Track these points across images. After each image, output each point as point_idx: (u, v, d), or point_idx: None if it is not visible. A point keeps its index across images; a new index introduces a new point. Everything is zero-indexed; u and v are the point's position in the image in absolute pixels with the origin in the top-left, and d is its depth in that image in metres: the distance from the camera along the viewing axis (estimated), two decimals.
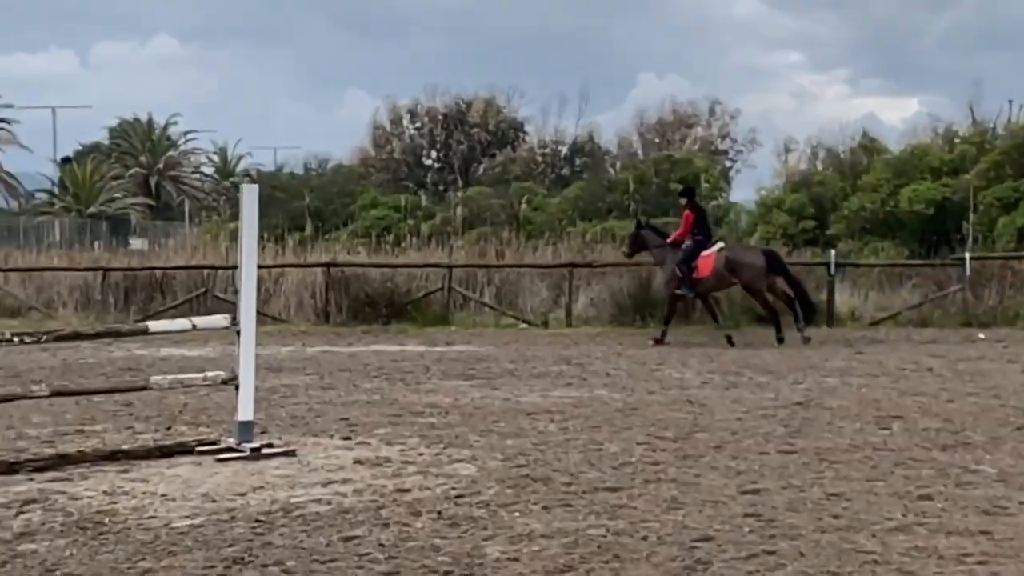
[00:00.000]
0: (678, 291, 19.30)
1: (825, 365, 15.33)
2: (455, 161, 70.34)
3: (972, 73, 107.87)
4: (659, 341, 18.77)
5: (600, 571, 5.66)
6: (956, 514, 6.80)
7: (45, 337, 8.49)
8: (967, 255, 23.40)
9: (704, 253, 19.10)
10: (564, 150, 70.75)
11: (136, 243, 52.99)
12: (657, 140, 68.14)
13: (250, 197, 8.71)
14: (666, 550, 6.02)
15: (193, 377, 9.08)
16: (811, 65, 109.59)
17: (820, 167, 41.40)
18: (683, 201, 20.09)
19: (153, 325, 9.21)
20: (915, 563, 5.81)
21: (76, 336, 9.80)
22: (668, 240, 19.56)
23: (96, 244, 44.57)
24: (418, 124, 72.51)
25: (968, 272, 22.46)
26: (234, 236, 29.42)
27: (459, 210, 39.90)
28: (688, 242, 19.19)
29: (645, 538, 6.25)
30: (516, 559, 5.86)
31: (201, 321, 9.05)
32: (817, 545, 6.14)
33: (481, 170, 69.71)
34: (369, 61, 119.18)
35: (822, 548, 6.08)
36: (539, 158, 69.73)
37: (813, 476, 7.90)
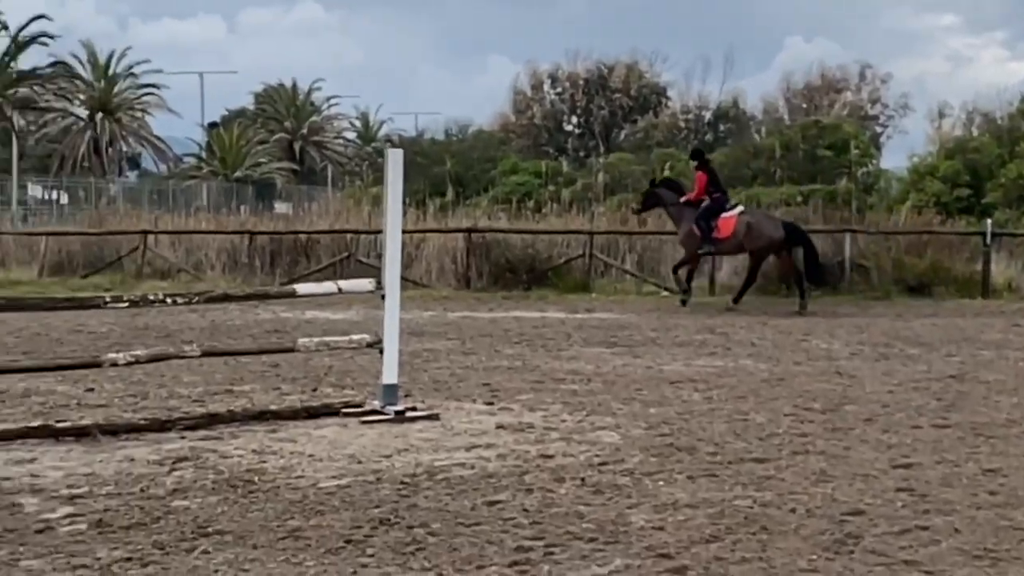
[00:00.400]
0: (700, 250, 19.59)
1: (980, 337, 14.93)
2: (596, 127, 70.12)
3: None
4: (683, 298, 19.38)
5: (747, 542, 5.61)
6: None
7: (196, 298, 8.74)
8: None
9: (725, 214, 19.32)
10: (708, 115, 69.98)
11: (281, 207, 54.09)
12: (804, 105, 66.98)
13: (395, 161, 8.79)
14: (815, 523, 5.94)
15: (339, 340, 9.23)
16: (966, 27, 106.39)
17: (976, 133, 40.25)
18: (693, 164, 20.45)
19: (300, 288, 9.41)
20: None
21: (226, 298, 10.07)
22: (683, 199, 19.74)
23: (242, 208, 45.64)
24: (559, 89, 72.42)
25: None
26: (377, 201, 29.86)
27: (600, 176, 39.79)
28: (706, 200, 19.39)
29: (793, 510, 6.18)
30: (661, 528, 5.84)
31: (346, 285, 9.20)
32: (973, 521, 5.99)
33: (622, 136, 69.37)
34: (511, 26, 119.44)
35: (978, 524, 5.93)
36: (682, 124, 69.10)
37: (968, 451, 7.71)
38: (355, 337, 9.11)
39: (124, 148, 62.02)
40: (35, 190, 56.12)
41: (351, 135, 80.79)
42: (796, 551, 5.48)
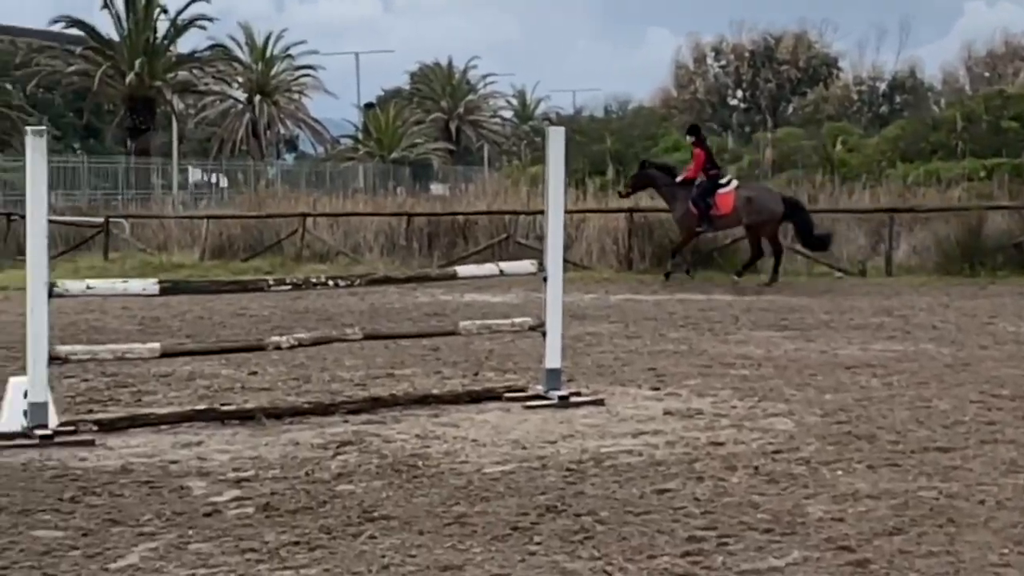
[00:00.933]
0: (698, 229, 19.95)
1: None
2: (763, 100, 69.21)
3: None
4: (668, 276, 20.12)
5: (933, 535, 5.48)
6: None
7: (358, 281, 8.91)
8: None
9: (722, 191, 19.56)
10: (882, 87, 68.44)
11: (437, 188, 54.76)
12: (987, 74, 64.99)
13: (556, 140, 8.80)
14: (1006, 516, 5.76)
15: (500, 323, 9.32)
16: None
17: None
18: (690, 139, 20.93)
19: (461, 270, 9.52)
20: None
21: (387, 280, 10.27)
22: (680, 179, 20.07)
23: (398, 189, 46.28)
24: (723, 62, 71.69)
25: None
26: (535, 181, 29.97)
27: (768, 152, 39.20)
28: (701, 177, 19.65)
29: (982, 502, 6.01)
30: (840, 519, 5.74)
31: (508, 267, 9.26)
32: None
33: (791, 109, 68.35)
34: None
35: None
36: (854, 96, 67.74)
37: None
38: (518, 320, 9.17)
39: (282, 130, 63.58)
40: (195, 173, 57.91)
41: (508, 114, 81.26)
42: (986, 545, 5.33)
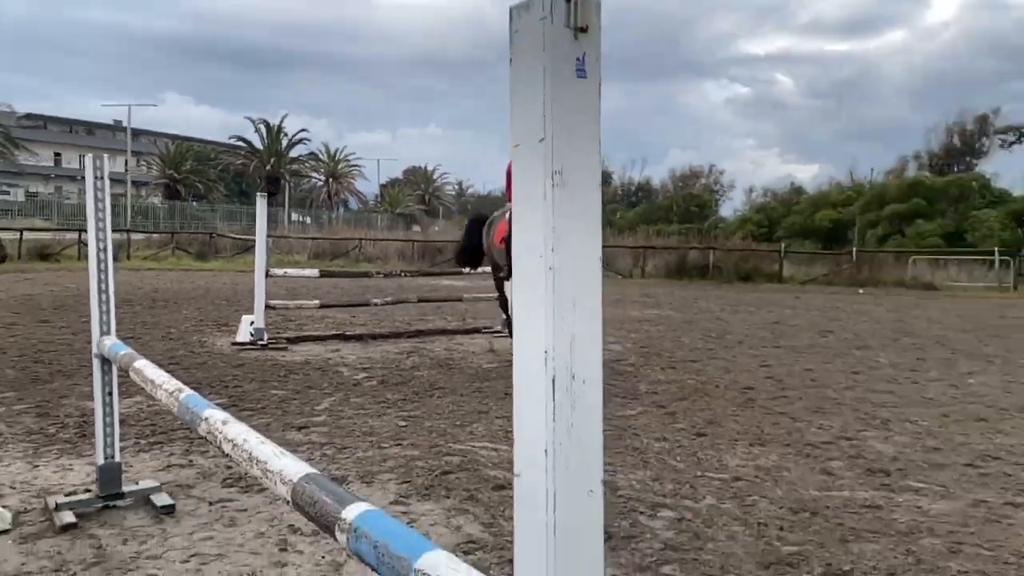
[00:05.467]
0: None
1: None
2: None
3: None
4: None
5: (698, 400, 5.64)
6: None
7: (416, 274, 8.83)
8: None
9: None
10: (633, 187, 67.65)
11: (416, 229, 53.51)
12: (682, 184, 63.51)
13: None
14: (731, 392, 5.97)
15: (480, 296, 9.30)
16: None
17: None
18: None
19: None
20: None
21: (429, 273, 10.15)
22: None
23: (402, 230, 44.86)
24: None
25: None
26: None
27: None
28: None
29: (716, 385, 6.17)
30: (655, 392, 5.90)
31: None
32: None
33: None
34: None
35: None
36: (619, 191, 66.71)
37: None
38: (484, 295, 9.17)
39: (344, 196, 61.79)
40: (293, 215, 56.00)
41: (453, 192, 79.96)
42: (723, 403, 5.53)
